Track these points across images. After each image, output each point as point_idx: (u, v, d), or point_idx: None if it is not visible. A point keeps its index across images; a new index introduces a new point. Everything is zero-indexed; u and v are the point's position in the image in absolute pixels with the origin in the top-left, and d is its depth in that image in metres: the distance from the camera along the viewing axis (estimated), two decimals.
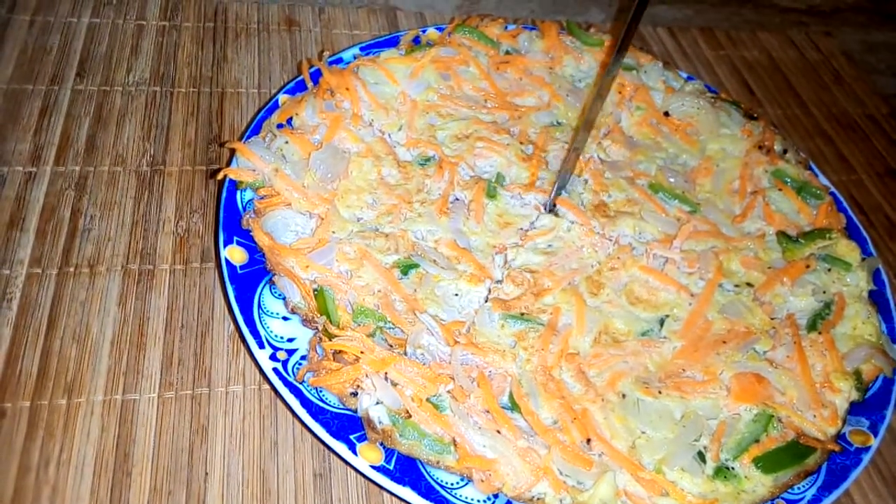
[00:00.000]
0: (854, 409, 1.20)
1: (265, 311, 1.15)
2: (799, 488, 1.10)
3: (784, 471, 1.09)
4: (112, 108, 1.49)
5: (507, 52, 1.66)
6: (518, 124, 1.52)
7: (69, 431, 1.07)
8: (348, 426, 1.05)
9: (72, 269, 1.24)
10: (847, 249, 1.40)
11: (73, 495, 1.02)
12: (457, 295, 1.23)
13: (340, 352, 1.08)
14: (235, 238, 1.21)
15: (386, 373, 1.07)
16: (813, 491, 1.11)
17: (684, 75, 1.71)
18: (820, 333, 1.26)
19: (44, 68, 1.52)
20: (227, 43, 1.69)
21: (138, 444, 1.08)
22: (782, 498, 1.09)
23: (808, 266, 1.35)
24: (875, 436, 1.18)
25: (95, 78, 1.53)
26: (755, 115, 1.62)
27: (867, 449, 1.16)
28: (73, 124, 1.44)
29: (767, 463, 1.09)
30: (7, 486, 1.01)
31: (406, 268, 1.23)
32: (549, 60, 1.65)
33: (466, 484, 1.03)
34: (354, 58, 1.57)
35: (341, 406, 1.07)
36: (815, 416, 1.16)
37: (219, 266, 1.27)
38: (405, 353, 1.12)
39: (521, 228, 1.35)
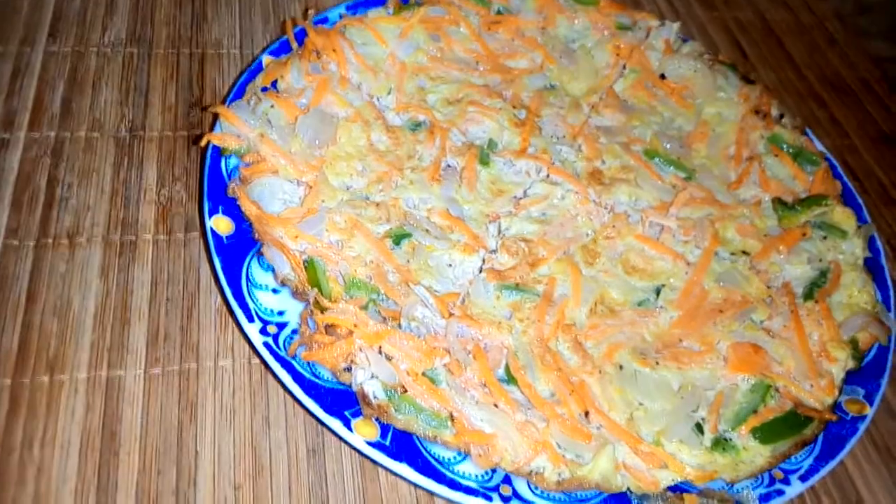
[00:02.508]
0: (849, 377, 1.20)
1: (254, 283, 1.11)
2: (796, 458, 1.10)
3: (782, 441, 1.09)
4: (87, 71, 1.42)
5: (499, 12, 1.60)
6: (510, 87, 1.47)
7: (53, 410, 1.04)
8: (342, 401, 1.02)
9: (50, 241, 1.20)
10: (843, 217, 1.38)
11: (60, 475, 0.99)
12: (450, 265, 1.21)
13: (333, 325, 1.05)
14: (221, 207, 1.17)
15: (380, 346, 1.04)
16: (810, 461, 1.10)
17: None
18: (816, 302, 1.25)
19: (14, 28, 1.45)
20: (206, 1, 1.62)
21: (125, 422, 1.05)
22: (780, 468, 1.09)
23: (803, 234, 1.34)
24: (870, 404, 1.18)
25: (69, 38, 1.46)
26: (752, 79, 1.59)
27: (863, 418, 1.16)
28: (47, 88, 1.38)
29: (765, 433, 1.09)
30: None
31: (398, 238, 1.20)
32: (541, 20, 1.60)
33: (464, 459, 1.01)
34: (340, 17, 1.51)
35: (335, 381, 1.04)
36: (812, 385, 1.15)
37: (204, 236, 1.23)
38: (399, 326, 1.09)
39: (515, 196, 1.32)
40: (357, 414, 1.01)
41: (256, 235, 1.14)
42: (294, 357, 1.04)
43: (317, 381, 1.03)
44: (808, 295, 1.27)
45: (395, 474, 1.00)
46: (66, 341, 1.10)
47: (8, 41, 1.42)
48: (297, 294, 1.11)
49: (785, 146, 1.49)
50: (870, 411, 1.17)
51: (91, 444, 1.02)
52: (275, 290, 1.11)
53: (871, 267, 1.35)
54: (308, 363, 1.05)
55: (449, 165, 1.33)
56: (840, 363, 1.18)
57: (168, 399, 1.08)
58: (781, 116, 1.55)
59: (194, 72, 1.48)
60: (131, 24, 1.52)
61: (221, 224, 1.15)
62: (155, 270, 1.20)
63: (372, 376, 1.03)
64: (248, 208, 1.16)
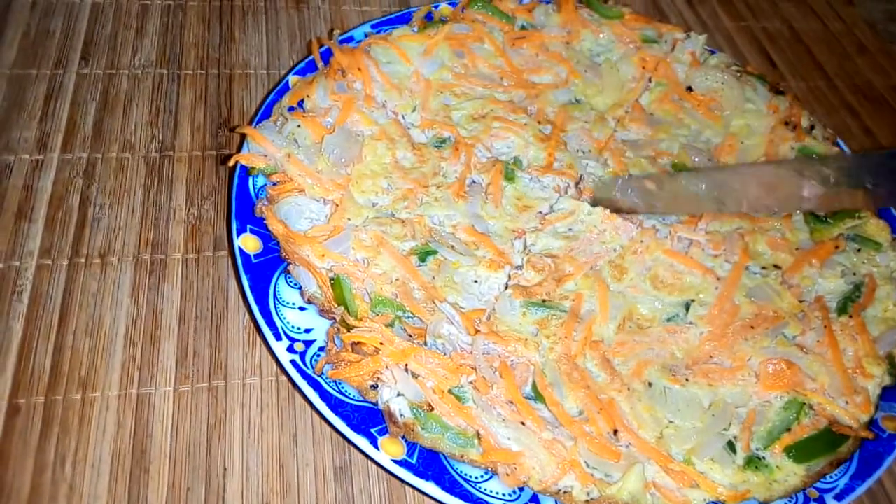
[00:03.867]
0: (886, 394, 1.17)
1: (281, 301, 1.12)
2: (831, 477, 1.07)
3: (817, 460, 1.06)
4: (118, 93, 1.46)
5: (523, 28, 1.61)
6: (535, 103, 1.47)
7: (85, 427, 1.05)
8: (369, 419, 1.02)
9: (83, 260, 1.22)
10: (877, 229, 1.35)
11: (91, 493, 1.00)
12: (476, 282, 1.20)
13: (359, 343, 1.05)
14: (249, 226, 1.18)
15: (406, 364, 1.04)
16: (845, 479, 1.08)
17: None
18: (850, 316, 1.22)
19: (47, 52, 1.48)
20: (234, 22, 1.64)
21: (155, 439, 1.06)
22: (814, 488, 1.06)
23: (836, 246, 1.31)
24: None
25: (100, 61, 1.50)
26: (782, 90, 1.57)
27: None
28: (79, 110, 1.41)
29: (799, 452, 1.07)
30: (24, 484, 1.00)
31: (424, 254, 1.20)
32: (566, 35, 1.60)
33: (491, 478, 1.01)
34: (365, 36, 1.52)
35: (361, 399, 1.04)
36: (847, 402, 1.13)
37: (232, 254, 1.24)
38: (425, 344, 1.09)
39: (541, 212, 1.31)
40: (383, 432, 1.01)
41: (284, 254, 1.15)
42: (321, 375, 1.05)
43: (343, 398, 1.04)
44: (842, 309, 1.24)
45: (422, 492, 0.99)
46: (98, 359, 1.12)
47: (41, 65, 1.46)
48: (323, 312, 1.11)
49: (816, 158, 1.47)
50: None
51: (122, 462, 1.03)
52: (301, 308, 1.12)
53: None
54: (335, 381, 1.05)
55: (474, 182, 1.34)
56: (876, 379, 1.15)
57: (197, 416, 1.09)
58: (812, 127, 1.53)
59: (222, 92, 1.50)
60: (161, 46, 1.55)
61: (249, 243, 1.17)
62: (184, 289, 1.22)
63: (398, 394, 1.03)
64: (275, 227, 1.17)
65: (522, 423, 1.02)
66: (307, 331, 1.10)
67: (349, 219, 1.21)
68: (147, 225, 1.28)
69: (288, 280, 1.14)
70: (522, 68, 1.53)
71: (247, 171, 1.24)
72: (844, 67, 1.97)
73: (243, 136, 1.27)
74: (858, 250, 1.32)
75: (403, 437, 1.01)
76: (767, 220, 1.35)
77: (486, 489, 0.99)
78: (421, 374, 1.04)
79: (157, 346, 1.15)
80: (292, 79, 1.40)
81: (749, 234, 1.31)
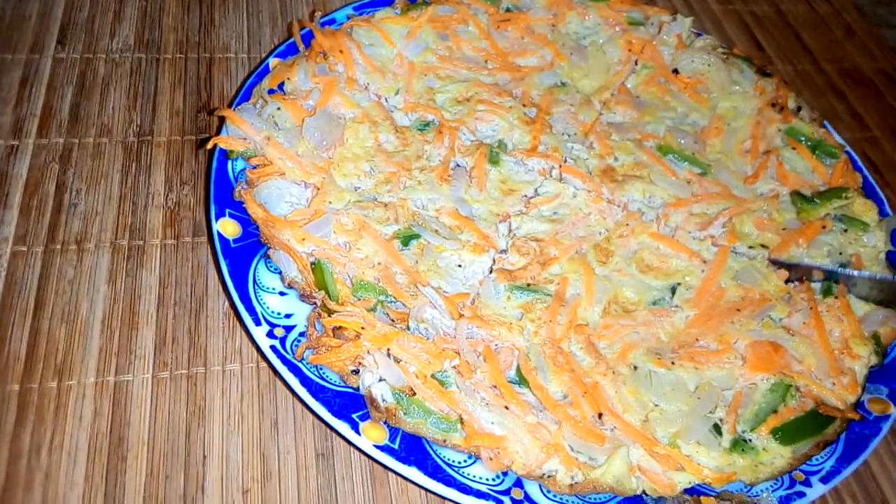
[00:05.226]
0: (873, 376, 1.16)
1: (261, 286, 1.10)
2: (817, 459, 1.07)
3: (803, 442, 1.06)
4: (96, 77, 1.43)
5: (508, 10, 1.59)
6: (520, 86, 1.45)
7: (61, 415, 1.03)
8: (350, 404, 1.00)
9: (59, 247, 1.20)
10: (864, 209, 1.35)
11: (67, 481, 0.98)
12: (460, 266, 1.19)
13: (340, 328, 1.04)
14: (228, 210, 1.16)
15: (388, 349, 1.03)
16: (832, 462, 1.07)
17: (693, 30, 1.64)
18: (836, 297, 1.21)
19: (23, 36, 1.45)
20: (214, 6, 1.61)
21: (133, 427, 1.04)
22: (800, 470, 1.05)
23: (823, 226, 1.30)
24: (894, 403, 1.14)
25: (77, 45, 1.47)
26: (768, 72, 1.55)
27: (887, 417, 1.12)
28: (56, 94, 1.38)
29: (786, 434, 1.06)
30: None
31: (406, 239, 1.18)
32: (551, 17, 1.58)
33: (474, 462, 0.99)
34: (348, 18, 1.50)
35: (343, 384, 1.03)
36: (833, 383, 1.12)
37: (211, 240, 1.22)
38: (408, 328, 1.08)
39: (525, 195, 1.30)
40: (365, 417, 0.99)
41: (263, 238, 1.13)
42: (301, 360, 1.03)
43: (325, 384, 1.02)
44: (828, 290, 1.23)
45: (405, 478, 0.98)
46: (75, 347, 1.10)
47: (17, 49, 1.43)
48: (304, 296, 1.09)
49: (803, 139, 1.46)
50: (893, 410, 1.13)
51: (99, 450, 1.01)
52: (282, 293, 1.10)
53: (893, 261, 1.31)
54: (316, 366, 1.03)
55: (458, 165, 1.32)
56: (863, 360, 1.15)
57: (176, 403, 1.07)
58: (799, 109, 1.51)
59: (202, 76, 1.48)
60: (139, 29, 1.53)
61: (228, 227, 1.14)
62: (163, 275, 1.20)
63: (380, 379, 1.01)
64: (254, 211, 1.15)
65: (506, 408, 1.01)
66: (287, 316, 1.08)
67: (330, 202, 1.19)
68: (125, 210, 1.26)
69: (268, 265, 1.13)
70: (507, 51, 1.52)
71: (226, 155, 1.22)
72: (832, 50, 1.95)
73: (222, 120, 1.25)
74: (845, 230, 1.32)
75: (385, 423, 1.00)
76: (754, 202, 1.34)
77: (469, 474, 0.98)
78: (403, 359, 1.03)
79: (135, 332, 1.13)
80: (273, 61, 1.38)
81: (736, 214, 1.30)
